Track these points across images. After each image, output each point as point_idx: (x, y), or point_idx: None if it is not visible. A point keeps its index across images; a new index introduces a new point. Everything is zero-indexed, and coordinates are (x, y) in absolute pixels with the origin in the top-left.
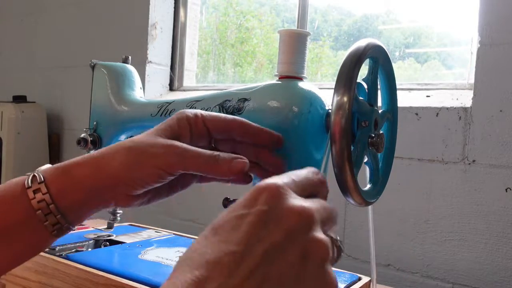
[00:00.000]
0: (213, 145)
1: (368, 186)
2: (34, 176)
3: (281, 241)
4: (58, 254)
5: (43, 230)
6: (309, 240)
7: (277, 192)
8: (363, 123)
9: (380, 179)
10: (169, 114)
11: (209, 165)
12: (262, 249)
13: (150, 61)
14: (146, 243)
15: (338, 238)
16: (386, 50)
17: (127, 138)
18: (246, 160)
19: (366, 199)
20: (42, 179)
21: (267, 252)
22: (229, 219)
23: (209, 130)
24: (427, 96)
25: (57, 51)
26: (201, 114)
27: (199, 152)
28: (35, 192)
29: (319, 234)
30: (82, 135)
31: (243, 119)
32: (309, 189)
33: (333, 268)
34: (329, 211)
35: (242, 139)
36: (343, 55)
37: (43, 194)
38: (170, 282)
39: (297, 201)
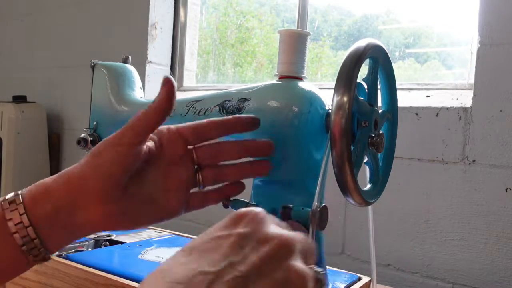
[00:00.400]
0: (197, 173)
1: (368, 186)
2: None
3: (260, 265)
4: (58, 254)
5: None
6: (288, 269)
7: (258, 217)
8: (363, 123)
9: (380, 179)
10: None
11: (157, 110)
12: (238, 271)
13: (150, 61)
14: (146, 243)
15: (320, 270)
16: (386, 50)
17: None
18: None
19: (366, 199)
20: (21, 200)
21: (242, 276)
22: (206, 240)
23: (181, 134)
24: (427, 96)
25: (57, 51)
26: (173, 126)
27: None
28: (12, 211)
29: (299, 264)
30: (82, 135)
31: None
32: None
33: (333, 268)
34: (309, 244)
35: (218, 133)
36: (343, 55)
37: (20, 214)
38: None
39: (277, 229)
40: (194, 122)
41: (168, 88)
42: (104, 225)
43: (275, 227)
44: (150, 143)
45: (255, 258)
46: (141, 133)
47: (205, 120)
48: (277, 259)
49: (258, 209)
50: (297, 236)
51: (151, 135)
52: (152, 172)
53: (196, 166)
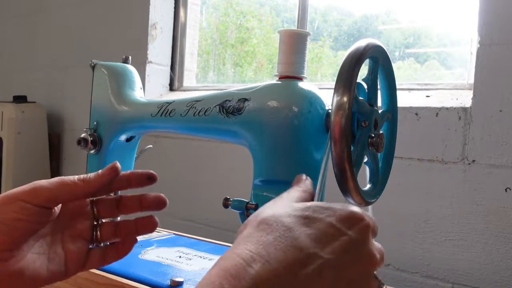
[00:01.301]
0: (96, 229)
1: (368, 186)
2: None
3: (353, 277)
4: None
5: None
6: (370, 283)
7: (368, 229)
8: (363, 123)
9: (380, 179)
10: (169, 114)
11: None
12: (334, 273)
13: (150, 61)
14: (146, 243)
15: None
16: (386, 50)
17: (127, 138)
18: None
19: (366, 199)
20: None
21: (334, 277)
22: (325, 221)
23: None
24: (427, 96)
25: (58, 51)
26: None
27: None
28: None
29: (376, 280)
30: (83, 135)
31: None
32: None
33: None
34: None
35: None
36: (343, 55)
37: None
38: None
39: (376, 247)
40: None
41: (112, 174)
42: None
43: (374, 244)
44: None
45: (352, 270)
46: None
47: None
48: (367, 277)
49: (371, 219)
50: (380, 247)
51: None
52: (48, 228)
53: (95, 222)
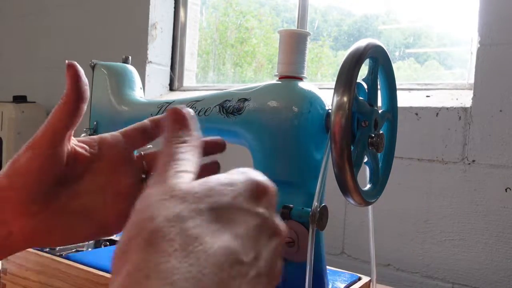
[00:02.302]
0: (145, 183)
1: (368, 186)
2: None
3: (270, 264)
4: (58, 254)
5: None
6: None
7: (274, 198)
8: (363, 123)
9: (380, 179)
10: None
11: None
12: (256, 269)
13: (150, 61)
14: None
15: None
16: (386, 50)
17: None
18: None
19: (366, 199)
20: None
21: (258, 276)
22: (233, 205)
23: (128, 136)
24: (427, 96)
25: (58, 51)
26: (117, 131)
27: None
28: None
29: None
30: (82, 135)
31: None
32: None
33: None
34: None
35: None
36: (343, 55)
37: None
38: None
39: (280, 220)
40: (141, 122)
41: (71, 73)
42: (29, 241)
43: (278, 216)
44: (81, 149)
45: (268, 255)
46: (53, 132)
47: (153, 118)
48: (279, 246)
49: (273, 185)
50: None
51: (89, 140)
52: (88, 182)
53: (143, 176)
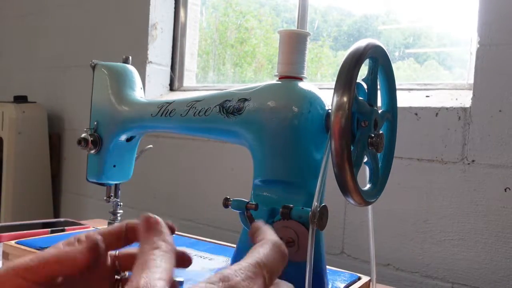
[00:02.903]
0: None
1: (368, 186)
2: None
3: None
4: None
5: None
6: None
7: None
8: (363, 123)
9: (379, 179)
10: (169, 114)
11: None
12: None
13: (151, 61)
14: None
15: None
16: (386, 50)
17: (128, 138)
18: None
19: (366, 199)
20: None
21: None
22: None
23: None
24: (427, 96)
25: (58, 51)
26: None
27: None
28: None
29: None
30: (83, 135)
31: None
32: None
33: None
34: None
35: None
36: (343, 55)
37: None
38: None
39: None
40: (118, 226)
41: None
42: None
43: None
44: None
45: None
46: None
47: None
48: None
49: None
50: None
51: None
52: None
53: (117, 277)
